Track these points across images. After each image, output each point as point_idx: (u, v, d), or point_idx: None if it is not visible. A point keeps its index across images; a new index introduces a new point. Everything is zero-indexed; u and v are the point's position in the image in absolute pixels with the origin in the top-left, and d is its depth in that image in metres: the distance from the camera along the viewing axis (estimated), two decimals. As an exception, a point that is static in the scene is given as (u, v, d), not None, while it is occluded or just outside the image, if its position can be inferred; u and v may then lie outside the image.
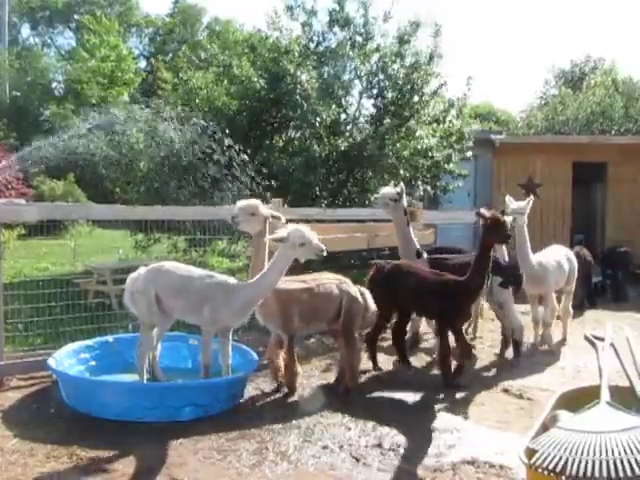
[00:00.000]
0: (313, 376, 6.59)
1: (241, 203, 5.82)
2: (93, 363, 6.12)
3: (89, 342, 6.26)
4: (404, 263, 6.93)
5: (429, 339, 8.14)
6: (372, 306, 6.29)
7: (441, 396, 6.12)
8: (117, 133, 12.46)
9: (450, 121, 13.40)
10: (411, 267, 6.75)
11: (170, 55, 37.59)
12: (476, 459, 4.64)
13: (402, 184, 7.49)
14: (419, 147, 12.25)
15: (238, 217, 5.77)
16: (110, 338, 6.46)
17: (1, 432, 4.97)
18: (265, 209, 5.84)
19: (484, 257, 6.13)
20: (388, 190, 7.44)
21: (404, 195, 7.39)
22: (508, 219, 6.89)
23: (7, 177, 15.79)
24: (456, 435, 5.13)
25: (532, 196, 7.80)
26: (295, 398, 5.94)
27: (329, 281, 6.14)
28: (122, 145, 15.25)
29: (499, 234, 6.11)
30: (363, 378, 6.58)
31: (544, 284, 7.62)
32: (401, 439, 5.02)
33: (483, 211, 6.22)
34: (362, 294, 6.23)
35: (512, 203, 7.52)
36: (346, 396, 5.98)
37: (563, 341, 8.17)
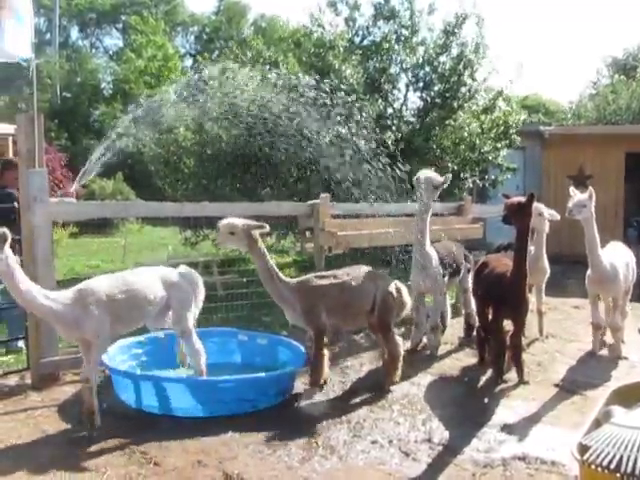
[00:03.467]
0: (362, 371, 6.57)
1: (220, 224, 5.75)
2: (144, 359, 6.21)
3: (140, 338, 6.34)
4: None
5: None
6: (407, 301, 6.25)
7: (491, 391, 6.06)
8: (164, 131, 12.60)
9: (498, 110, 13.23)
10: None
11: (216, 53, 37.85)
12: (527, 455, 4.58)
13: (449, 175, 7.30)
14: (464, 137, 12.11)
15: (218, 238, 5.84)
16: (161, 334, 6.54)
17: (57, 425, 5.10)
18: (243, 223, 5.68)
19: (522, 244, 5.97)
20: (435, 175, 7.18)
21: (444, 186, 7.16)
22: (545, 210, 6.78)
23: (58, 176, 16.14)
24: (506, 430, 5.07)
25: (591, 187, 7.32)
26: (343, 393, 5.94)
27: (363, 275, 6.08)
28: (169, 142, 15.45)
29: (524, 215, 5.93)
30: (413, 372, 6.55)
31: (615, 286, 7.09)
32: (451, 434, 4.98)
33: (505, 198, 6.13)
34: (398, 289, 6.16)
35: (575, 195, 6.95)
36: (388, 390, 5.95)
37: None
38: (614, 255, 7.26)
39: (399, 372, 6.14)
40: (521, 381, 6.20)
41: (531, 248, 7.74)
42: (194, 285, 5.87)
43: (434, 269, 7.12)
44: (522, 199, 6.00)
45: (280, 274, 5.83)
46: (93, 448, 4.60)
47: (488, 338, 6.59)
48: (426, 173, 7.18)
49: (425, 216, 7.04)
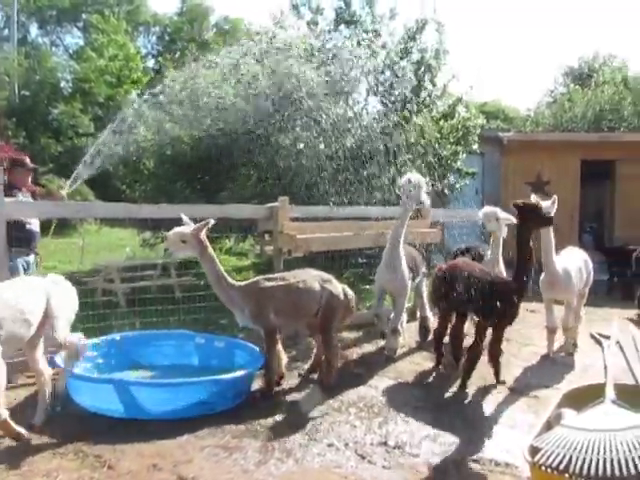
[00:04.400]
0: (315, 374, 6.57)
1: (169, 234, 5.76)
2: (100, 361, 6.13)
3: (96, 340, 6.27)
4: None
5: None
6: (354, 307, 6.38)
7: (447, 394, 6.12)
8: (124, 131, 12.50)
9: (458, 116, 13.38)
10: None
11: (178, 54, 37.60)
12: (481, 457, 4.64)
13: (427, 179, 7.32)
14: (425, 144, 12.21)
15: (169, 248, 5.80)
16: (117, 336, 6.48)
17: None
18: (192, 230, 5.71)
19: (525, 249, 5.99)
20: (424, 180, 7.23)
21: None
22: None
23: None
24: (461, 433, 5.12)
25: (555, 195, 7.47)
26: (301, 396, 5.95)
27: (311, 278, 6.16)
28: (129, 143, 15.30)
29: (536, 219, 6.06)
30: (370, 375, 6.59)
31: (568, 290, 7.29)
32: (406, 437, 5.02)
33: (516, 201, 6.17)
34: (345, 294, 6.25)
35: (540, 203, 7.16)
36: (322, 392, 6.01)
37: (574, 346, 7.73)
38: (568, 260, 7.42)
39: (332, 375, 6.21)
40: (499, 382, 6.35)
41: (487, 252, 7.86)
42: (69, 294, 5.36)
43: (403, 271, 7.20)
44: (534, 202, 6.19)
45: (228, 278, 5.89)
46: (45, 452, 4.53)
47: (456, 344, 6.66)
48: (417, 176, 7.21)
49: (405, 218, 7.09)
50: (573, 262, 7.49)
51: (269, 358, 5.88)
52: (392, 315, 7.43)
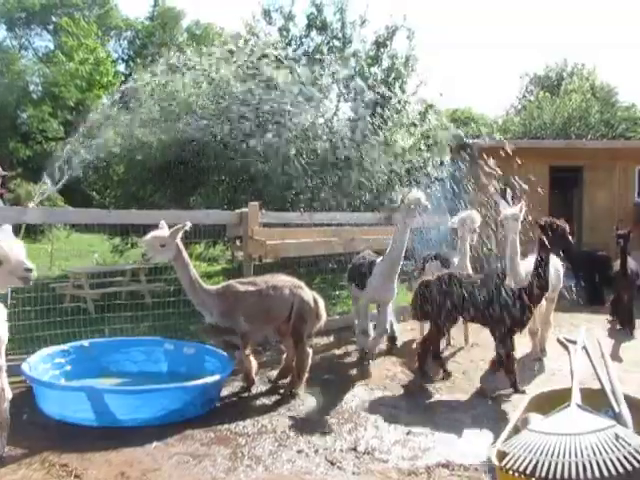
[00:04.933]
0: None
1: (147, 237, 5.76)
2: (68, 368, 6.08)
3: (64, 347, 6.21)
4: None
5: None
6: (323, 314, 6.41)
7: (417, 400, 6.14)
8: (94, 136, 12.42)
9: (428, 123, 13.48)
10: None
11: (149, 58, 37.37)
12: (451, 462, 4.66)
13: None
14: (396, 151, 12.28)
15: (147, 253, 5.76)
16: (86, 343, 6.42)
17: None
18: (170, 233, 5.74)
19: (544, 263, 6.20)
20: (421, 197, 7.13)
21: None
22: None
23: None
24: (431, 438, 5.15)
25: (523, 201, 7.58)
26: (271, 403, 5.94)
27: (282, 283, 6.20)
28: (99, 148, 15.17)
29: (560, 241, 6.20)
30: (340, 381, 6.60)
31: None
32: (376, 443, 5.03)
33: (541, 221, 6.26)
34: (315, 300, 6.31)
35: (505, 208, 7.26)
36: (292, 398, 6.04)
37: (542, 351, 7.82)
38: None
39: (304, 380, 6.26)
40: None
41: (455, 260, 7.93)
42: None
43: (395, 282, 7.28)
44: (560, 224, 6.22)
45: (201, 281, 5.93)
46: (10, 462, 4.46)
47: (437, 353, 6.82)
48: (419, 194, 7.15)
49: (406, 233, 7.06)
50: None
51: (243, 359, 5.96)
52: (378, 321, 7.46)
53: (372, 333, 7.50)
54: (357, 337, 7.66)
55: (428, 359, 6.83)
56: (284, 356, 6.59)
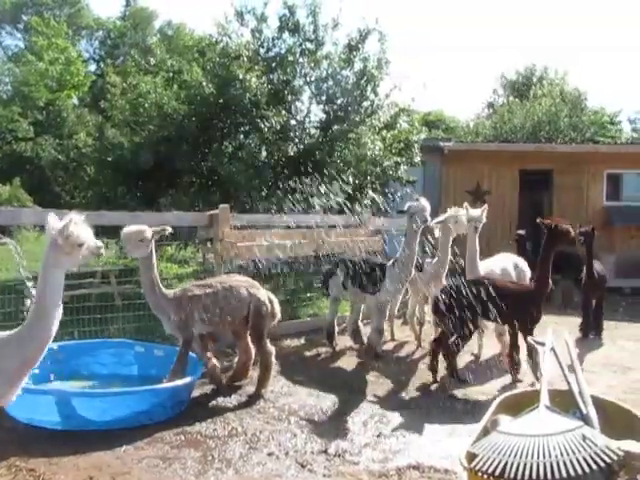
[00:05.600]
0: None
1: (126, 230, 5.70)
2: (36, 371, 5.98)
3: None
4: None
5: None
6: (278, 312, 6.43)
7: (388, 402, 6.16)
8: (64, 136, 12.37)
9: (399, 127, 13.56)
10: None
11: (121, 59, 37.13)
12: (421, 464, 4.67)
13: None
14: (367, 154, 12.31)
15: (125, 246, 5.73)
16: (54, 346, 6.33)
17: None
18: (150, 230, 5.74)
19: (547, 261, 6.53)
20: (427, 203, 7.24)
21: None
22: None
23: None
24: (402, 440, 5.17)
25: (485, 204, 7.83)
26: (242, 405, 5.92)
27: (238, 284, 6.21)
28: (70, 149, 15.06)
29: (565, 240, 6.56)
30: (310, 383, 6.60)
31: None
32: (347, 445, 5.03)
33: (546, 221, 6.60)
34: (270, 300, 6.33)
35: (469, 211, 7.53)
36: (262, 400, 6.05)
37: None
38: (494, 264, 7.70)
39: (270, 379, 6.32)
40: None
41: (426, 261, 8.00)
42: None
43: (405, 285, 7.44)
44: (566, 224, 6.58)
45: (161, 285, 5.90)
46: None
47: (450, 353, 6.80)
48: (419, 205, 7.18)
49: (416, 238, 7.20)
50: (499, 265, 7.73)
51: (180, 365, 5.83)
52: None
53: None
54: (370, 335, 7.66)
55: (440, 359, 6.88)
56: (235, 359, 6.61)
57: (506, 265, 7.86)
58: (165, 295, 5.89)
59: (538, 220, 6.83)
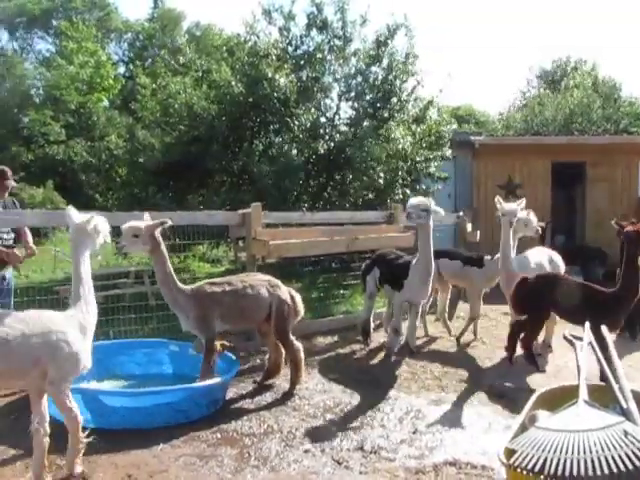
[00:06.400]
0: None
1: (123, 226, 5.62)
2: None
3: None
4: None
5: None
6: (301, 309, 6.41)
7: (423, 398, 6.13)
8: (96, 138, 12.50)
9: (429, 119, 13.49)
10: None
11: (150, 60, 37.37)
12: (458, 460, 4.65)
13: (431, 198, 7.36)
14: (397, 148, 12.27)
15: (121, 242, 5.64)
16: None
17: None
18: (148, 224, 5.63)
19: (633, 267, 6.26)
20: (420, 200, 7.22)
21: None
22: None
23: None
24: (438, 436, 5.14)
25: (521, 198, 7.76)
26: (277, 402, 5.93)
27: (259, 283, 6.17)
28: (101, 151, 15.19)
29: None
30: (344, 379, 6.60)
31: None
32: (383, 441, 5.02)
33: (628, 227, 6.34)
34: (292, 297, 6.30)
35: (503, 205, 7.47)
36: (297, 398, 6.05)
37: (548, 347, 7.83)
38: (529, 258, 7.61)
39: (302, 375, 6.30)
40: None
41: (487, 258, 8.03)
42: None
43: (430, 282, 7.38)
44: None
45: (177, 281, 5.84)
46: (18, 465, 4.47)
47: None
48: (413, 202, 7.20)
49: (428, 235, 7.16)
50: (533, 259, 7.64)
51: (208, 366, 5.80)
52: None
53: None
54: (388, 335, 7.71)
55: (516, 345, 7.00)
56: (267, 357, 6.59)
57: (541, 259, 7.77)
58: (182, 290, 5.81)
59: (613, 222, 6.64)
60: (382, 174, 12.07)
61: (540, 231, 8.98)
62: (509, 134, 25.40)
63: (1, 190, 6.99)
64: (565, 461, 3.12)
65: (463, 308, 9.26)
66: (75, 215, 4.58)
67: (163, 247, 5.75)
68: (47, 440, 4.18)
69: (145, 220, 5.68)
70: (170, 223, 5.74)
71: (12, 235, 6.93)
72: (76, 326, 4.32)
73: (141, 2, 78.03)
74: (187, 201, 12.33)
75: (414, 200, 7.23)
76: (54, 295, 8.11)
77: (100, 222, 4.62)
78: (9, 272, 6.91)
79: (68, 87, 31.75)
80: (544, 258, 7.83)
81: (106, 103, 34.58)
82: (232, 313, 5.96)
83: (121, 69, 41.58)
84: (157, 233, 5.65)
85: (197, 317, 5.79)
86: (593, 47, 70.12)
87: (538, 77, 36.98)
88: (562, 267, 7.92)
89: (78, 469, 4.33)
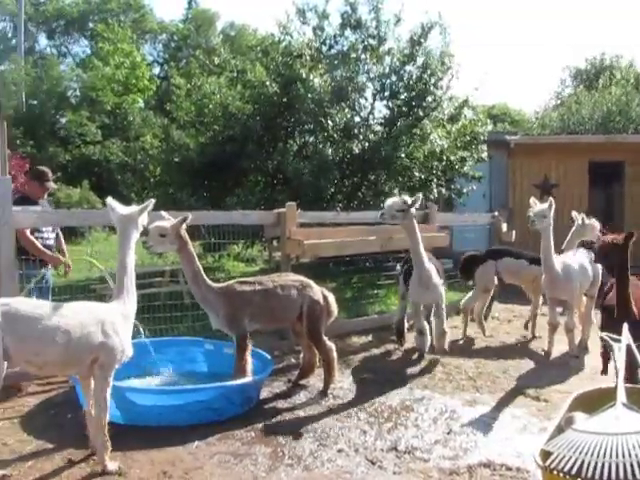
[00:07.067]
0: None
1: (149, 228, 5.54)
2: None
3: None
4: None
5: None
6: (334, 309, 6.38)
7: (457, 398, 6.09)
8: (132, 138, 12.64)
9: (464, 118, 13.39)
10: None
11: (184, 61, 37.66)
12: (492, 462, 4.61)
13: (419, 194, 7.23)
14: (433, 149, 12.22)
15: (148, 242, 5.63)
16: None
17: (19, 437, 4.99)
18: (173, 223, 5.63)
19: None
20: (394, 201, 7.08)
21: (416, 203, 7.03)
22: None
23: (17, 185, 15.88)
24: (472, 437, 5.11)
25: (551, 197, 7.67)
26: (311, 402, 5.94)
27: (290, 283, 6.15)
28: (136, 151, 15.35)
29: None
30: (379, 380, 6.58)
31: (567, 289, 7.36)
32: (417, 442, 5.00)
33: None
34: (325, 297, 6.27)
35: (535, 205, 7.33)
36: (331, 397, 6.05)
37: (582, 345, 7.77)
38: (570, 259, 7.49)
39: (335, 375, 6.27)
40: None
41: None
42: None
43: (435, 284, 7.25)
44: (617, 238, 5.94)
45: (206, 278, 5.85)
46: (57, 459, 4.52)
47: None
48: (386, 204, 7.11)
49: (413, 233, 7.05)
50: (575, 261, 7.53)
51: (241, 365, 5.79)
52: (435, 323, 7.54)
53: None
54: (414, 337, 7.66)
55: None
56: (301, 356, 6.59)
57: (582, 261, 7.66)
58: (211, 288, 5.82)
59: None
60: (417, 173, 12.02)
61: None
62: (545, 133, 25.11)
63: (41, 191, 7.10)
64: (603, 464, 3.07)
65: (498, 309, 9.19)
66: (118, 207, 4.68)
67: (190, 245, 5.78)
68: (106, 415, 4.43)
69: (166, 219, 5.73)
70: (191, 217, 5.74)
71: (54, 235, 7.07)
72: (121, 316, 4.52)
73: (176, 3, 78.64)
74: (222, 201, 12.39)
75: (389, 201, 7.11)
76: (91, 293, 8.22)
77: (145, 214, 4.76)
78: (48, 271, 7.02)
79: (104, 88, 32.17)
80: (585, 259, 7.73)
81: (141, 104, 34.96)
82: (262, 313, 5.96)
83: (156, 70, 42.05)
84: (183, 231, 5.68)
85: (227, 315, 5.80)
86: (629, 44, 69.15)
87: (573, 77, 36.48)
88: (600, 270, 7.81)
89: (114, 465, 4.38)
